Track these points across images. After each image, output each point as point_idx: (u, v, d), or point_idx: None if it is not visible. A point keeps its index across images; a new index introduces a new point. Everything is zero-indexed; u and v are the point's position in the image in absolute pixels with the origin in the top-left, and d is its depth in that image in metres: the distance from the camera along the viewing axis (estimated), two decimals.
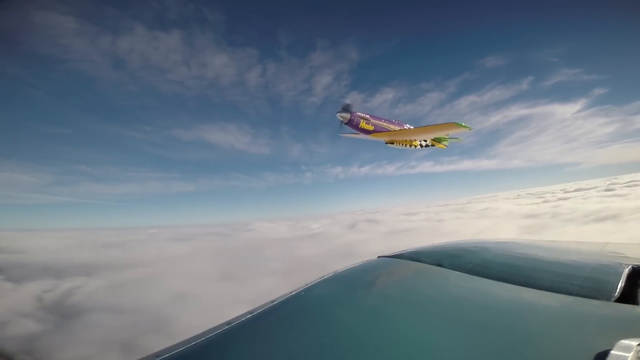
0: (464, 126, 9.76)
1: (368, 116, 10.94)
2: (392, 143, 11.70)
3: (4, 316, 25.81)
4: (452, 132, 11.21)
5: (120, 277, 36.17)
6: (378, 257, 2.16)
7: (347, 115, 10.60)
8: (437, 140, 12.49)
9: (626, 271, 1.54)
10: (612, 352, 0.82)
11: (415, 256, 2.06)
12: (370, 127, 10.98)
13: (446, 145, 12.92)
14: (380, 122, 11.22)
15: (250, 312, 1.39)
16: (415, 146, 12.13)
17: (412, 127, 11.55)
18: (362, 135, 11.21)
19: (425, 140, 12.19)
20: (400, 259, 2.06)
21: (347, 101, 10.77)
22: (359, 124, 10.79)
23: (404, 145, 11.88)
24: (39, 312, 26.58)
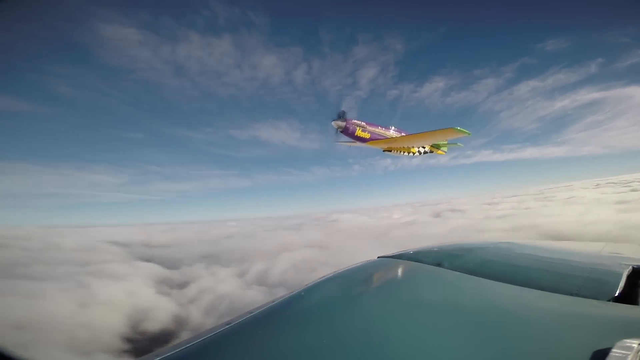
0: (463, 131, 9.48)
1: (364, 124, 10.64)
2: (390, 150, 11.46)
3: (241, 290, 31.48)
4: (451, 137, 10.95)
5: (292, 258, 40.64)
6: (378, 257, 2.17)
7: (343, 123, 10.27)
8: (436, 146, 12.22)
9: (626, 271, 1.55)
10: (612, 352, 0.81)
11: (415, 256, 2.05)
12: (367, 135, 10.68)
13: (445, 152, 12.63)
14: (377, 130, 10.92)
15: (250, 312, 1.37)
16: (414, 153, 11.86)
17: (409, 134, 11.30)
18: (358, 144, 10.96)
19: (424, 147, 11.94)
20: (400, 259, 2.05)
21: (343, 108, 10.42)
22: (355, 132, 10.47)
23: (402, 152, 11.61)
24: (258, 287, 31.66)
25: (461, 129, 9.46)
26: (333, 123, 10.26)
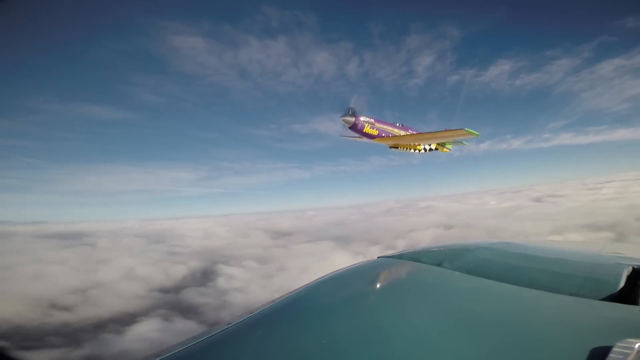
0: (473, 132, 9.65)
1: (373, 120, 10.70)
2: (396, 147, 11.50)
3: None
4: (461, 138, 11.00)
5: (427, 235, 43.82)
6: (378, 257, 2.15)
7: (352, 120, 10.33)
8: (442, 144, 12.27)
9: (626, 271, 1.54)
10: (612, 352, 0.81)
11: (415, 256, 2.02)
12: (375, 132, 10.75)
13: (450, 149, 12.72)
14: (385, 127, 11.02)
15: (250, 312, 1.37)
16: (419, 150, 11.94)
17: (417, 132, 11.43)
18: (365, 139, 11.03)
19: (429, 144, 12.00)
20: (400, 259, 2.03)
21: (351, 104, 10.51)
22: (364, 129, 10.55)
23: (408, 149, 11.67)
24: None
25: (471, 130, 9.57)
26: (342, 119, 10.33)
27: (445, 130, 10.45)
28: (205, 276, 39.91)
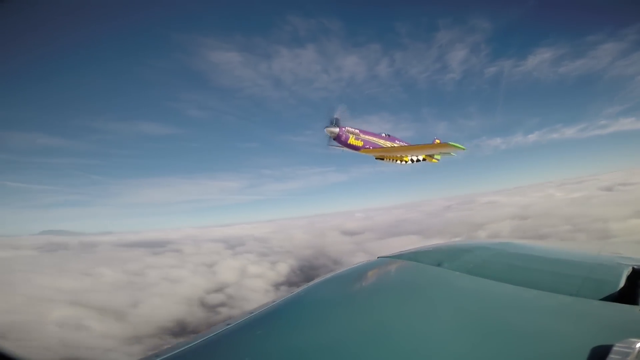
0: (458, 146, 9.64)
1: (358, 131, 10.54)
2: (382, 159, 11.35)
3: None
4: (446, 151, 10.93)
5: (503, 227, 47.35)
6: (378, 257, 2.16)
7: (336, 130, 10.14)
8: (430, 155, 12.18)
9: (626, 271, 1.54)
10: (612, 352, 0.82)
11: (415, 256, 2.05)
12: (360, 143, 10.57)
13: (438, 160, 12.62)
14: (371, 138, 10.83)
15: (250, 312, 1.37)
16: (406, 161, 11.77)
17: (404, 144, 11.30)
18: (350, 150, 10.83)
19: (417, 156, 11.88)
20: (400, 259, 2.04)
21: (336, 115, 10.30)
22: (348, 140, 10.34)
23: (394, 160, 11.51)
24: None
25: (456, 144, 9.68)
26: (326, 130, 10.15)
27: (431, 144, 10.59)
28: (313, 270, 44.75)
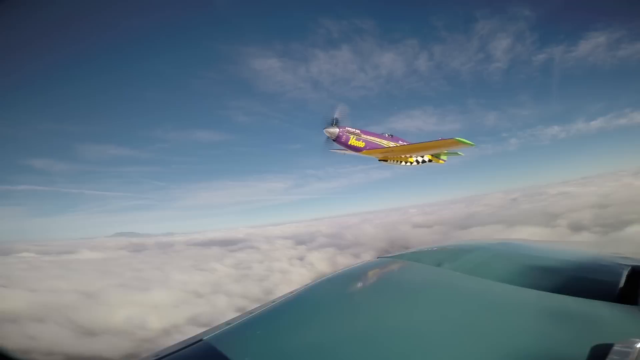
0: (467, 142, 8.85)
1: (359, 131, 10.04)
2: (386, 160, 10.85)
3: None
4: (453, 148, 10.30)
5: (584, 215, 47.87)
6: (378, 257, 2.17)
7: (335, 131, 9.64)
8: (435, 155, 11.57)
9: (626, 271, 1.55)
10: (612, 352, 0.82)
11: (415, 257, 2.06)
12: (361, 144, 10.07)
13: (445, 160, 12.03)
14: (373, 138, 10.34)
15: (250, 313, 1.37)
16: (411, 162, 11.24)
17: (407, 143, 10.76)
18: (351, 152, 10.37)
19: (422, 156, 11.30)
20: (400, 259, 2.04)
21: (335, 115, 9.77)
22: (349, 141, 9.85)
23: (398, 162, 10.98)
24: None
25: (464, 139, 8.75)
26: (325, 131, 9.65)
27: (435, 141, 9.76)
28: None
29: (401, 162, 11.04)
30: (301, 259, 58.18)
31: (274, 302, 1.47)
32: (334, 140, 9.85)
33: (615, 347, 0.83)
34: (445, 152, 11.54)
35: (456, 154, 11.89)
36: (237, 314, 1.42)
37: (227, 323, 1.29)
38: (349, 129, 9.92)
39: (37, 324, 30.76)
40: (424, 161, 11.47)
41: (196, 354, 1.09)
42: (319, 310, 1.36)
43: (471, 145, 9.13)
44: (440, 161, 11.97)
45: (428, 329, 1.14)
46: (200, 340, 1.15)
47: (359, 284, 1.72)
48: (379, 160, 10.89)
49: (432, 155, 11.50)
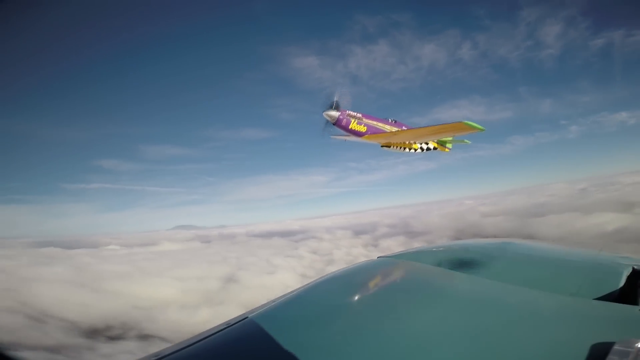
0: (475, 126, 8.16)
1: (360, 115, 9.57)
2: (389, 146, 10.37)
3: None
4: (461, 133, 9.64)
5: None
6: (378, 257, 2.17)
7: (336, 115, 9.20)
8: (441, 142, 11.01)
9: (626, 271, 1.55)
10: (612, 351, 0.82)
11: (415, 256, 2.08)
12: (363, 129, 9.60)
13: (450, 148, 11.44)
14: (375, 123, 9.85)
15: (249, 313, 1.37)
16: (415, 149, 10.74)
17: (411, 128, 10.21)
18: (352, 137, 9.93)
19: (427, 143, 10.80)
20: (400, 259, 2.06)
21: (335, 98, 9.30)
22: (349, 125, 9.40)
23: (402, 148, 10.50)
24: None
25: (472, 123, 8.08)
26: (324, 114, 9.21)
27: (440, 125, 9.11)
28: None
29: (404, 148, 10.61)
30: (375, 245, 62.96)
31: (273, 302, 1.48)
32: (333, 124, 9.39)
33: (616, 347, 0.84)
34: (451, 139, 10.97)
35: (463, 141, 11.28)
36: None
37: (227, 323, 1.30)
38: (350, 112, 9.45)
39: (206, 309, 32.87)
40: (428, 148, 11.00)
41: (196, 355, 1.10)
42: (318, 310, 1.37)
43: (481, 129, 8.33)
44: (446, 149, 11.37)
45: (428, 328, 1.16)
46: (200, 340, 1.16)
47: (359, 284, 1.71)
48: (382, 146, 10.46)
49: (438, 143, 11.00)
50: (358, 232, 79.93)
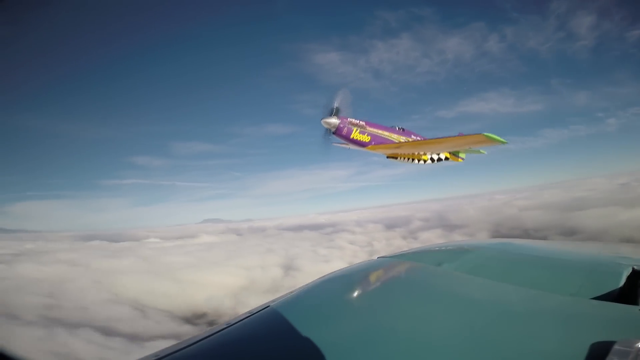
0: (497, 139, 7.23)
1: (363, 123, 8.69)
2: (396, 157, 9.50)
3: None
4: (480, 145, 8.67)
5: None
6: (378, 257, 2.19)
7: (336, 122, 8.33)
8: (454, 153, 10.05)
9: (626, 271, 1.54)
10: (612, 351, 0.82)
11: (415, 256, 2.09)
12: (366, 138, 8.70)
13: (463, 158, 10.50)
14: (380, 132, 8.95)
15: (249, 313, 1.37)
16: (425, 160, 9.76)
17: (422, 138, 9.30)
18: (355, 147, 9.06)
19: (438, 154, 9.82)
20: (400, 259, 2.06)
21: (336, 103, 8.36)
22: (351, 134, 8.52)
23: (410, 160, 9.55)
24: None
25: (493, 135, 7.17)
26: (323, 122, 8.35)
27: (457, 137, 8.28)
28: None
29: (413, 160, 9.60)
30: (415, 238, 64.80)
31: (273, 302, 1.47)
32: (333, 133, 8.51)
33: (616, 347, 0.84)
34: (465, 149, 9.95)
35: (478, 151, 10.14)
36: None
37: (227, 323, 1.30)
38: (351, 120, 8.51)
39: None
40: (439, 159, 9.97)
41: (196, 355, 1.09)
42: (318, 310, 1.36)
43: (502, 142, 7.32)
44: (459, 159, 10.37)
45: (429, 328, 1.16)
46: (200, 340, 1.16)
47: (359, 284, 1.71)
48: (387, 157, 9.51)
49: (450, 153, 9.98)
50: (389, 225, 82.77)
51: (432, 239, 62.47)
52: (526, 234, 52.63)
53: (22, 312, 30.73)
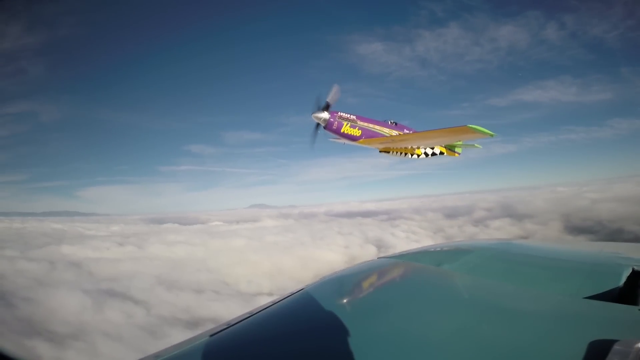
0: (483, 131, 7.16)
1: (354, 117, 8.65)
2: (388, 152, 9.42)
3: None
4: (466, 138, 8.73)
5: None
6: (378, 257, 2.20)
7: (326, 117, 8.27)
8: (450, 147, 10.04)
9: (626, 272, 1.54)
10: (612, 351, 0.82)
11: (415, 257, 2.11)
12: (357, 132, 8.64)
13: (459, 153, 10.46)
14: (371, 126, 8.92)
15: (249, 313, 1.37)
16: (419, 155, 9.73)
17: (413, 132, 9.25)
18: (347, 141, 9.03)
19: (432, 148, 9.81)
20: (400, 259, 2.06)
21: (328, 98, 8.27)
22: (341, 128, 8.47)
23: (403, 154, 9.53)
24: None
25: (478, 127, 7.12)
26: (313, 116, 8.30)
27: (443, 129, 8.15)
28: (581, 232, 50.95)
29: (406, 154, 9.56)
30: (486, 225, 65.41)
31: (273, 302, 1.48)
32: (324, 128, 8.45)
33: (615, 347, 0.83)
34: (461, 143, 10.01)
35: (473, 145, 10.25)
36: None
37: (227, 323, 1.29)
38: (342, 114, 8.48)
39: None
40: (433, 154, 9.93)
41: (196, 355, 1.09)
42: (319, 310, 1.35)
43: (490, 135, 7.20)
44: (455, 154, 10.35)
45: (429, 328, 1.16)
46: (201, 340, 1.16)
47: (359, 285, 1.73)
48: (380, 151, 9.47)
49: (446, 147, 10.01)
50: (449, 215, 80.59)
51: (504, 226, 63.44)
52: (600, 224, 53.72)
53: (231, 283, 33.55)
